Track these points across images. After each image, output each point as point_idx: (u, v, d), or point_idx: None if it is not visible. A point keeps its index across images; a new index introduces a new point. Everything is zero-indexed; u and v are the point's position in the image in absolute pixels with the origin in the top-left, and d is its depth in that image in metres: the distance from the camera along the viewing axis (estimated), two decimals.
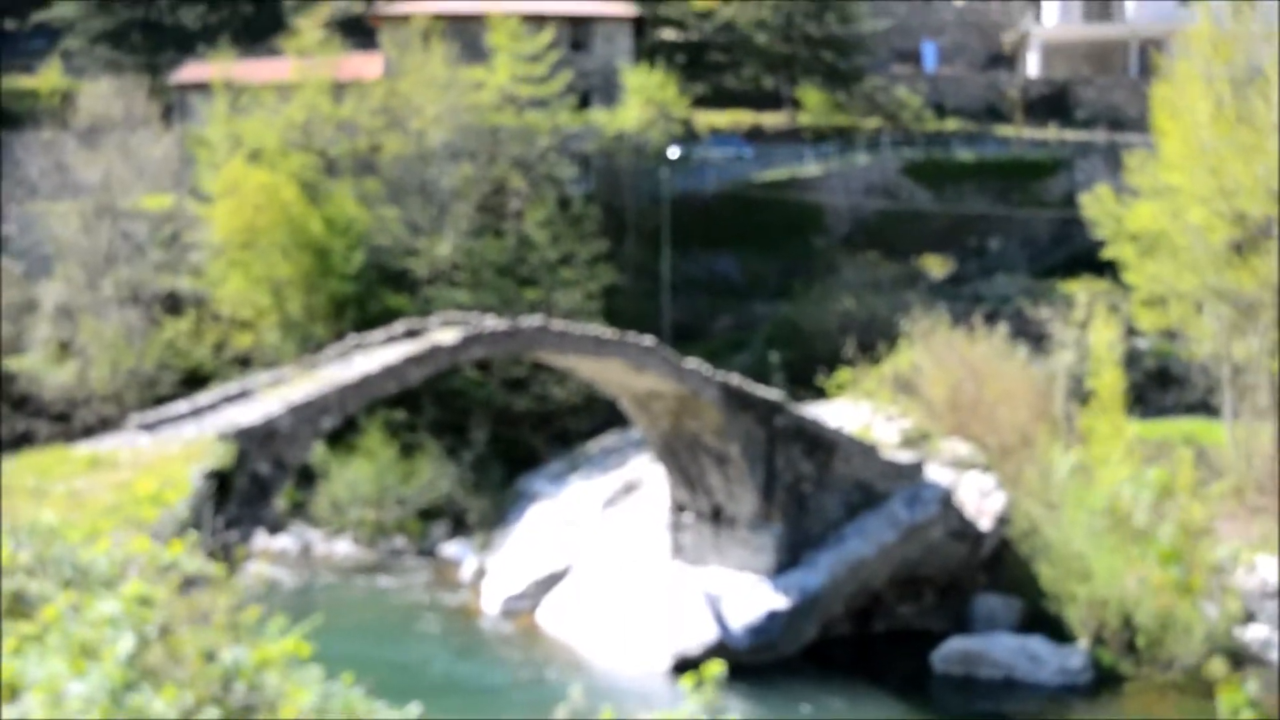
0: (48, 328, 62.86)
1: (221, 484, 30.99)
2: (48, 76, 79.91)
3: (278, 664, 7.14)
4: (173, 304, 63.78)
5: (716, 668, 8.39)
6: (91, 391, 60.22)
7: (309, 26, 70.22)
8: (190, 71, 75.69)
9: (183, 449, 31.15)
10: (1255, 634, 39.86)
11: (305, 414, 34.39)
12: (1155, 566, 39.20)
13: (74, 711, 5.99)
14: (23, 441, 51.45)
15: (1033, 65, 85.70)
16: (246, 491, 32.53)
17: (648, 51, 78.25)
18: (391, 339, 40.18)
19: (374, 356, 37.90)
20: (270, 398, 35.53)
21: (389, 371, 36.48)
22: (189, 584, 9.10)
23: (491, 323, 40.12)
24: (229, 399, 36.44)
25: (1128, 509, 41.18)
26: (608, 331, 42.07)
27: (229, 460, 31.54)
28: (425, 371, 38.41)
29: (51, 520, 8.85)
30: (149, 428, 33.99)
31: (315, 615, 10.45)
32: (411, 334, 40.33)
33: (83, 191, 65.00)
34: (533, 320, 40.99)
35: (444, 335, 38.95)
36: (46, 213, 65.57)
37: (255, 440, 32.81)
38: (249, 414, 33.91)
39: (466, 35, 71.54)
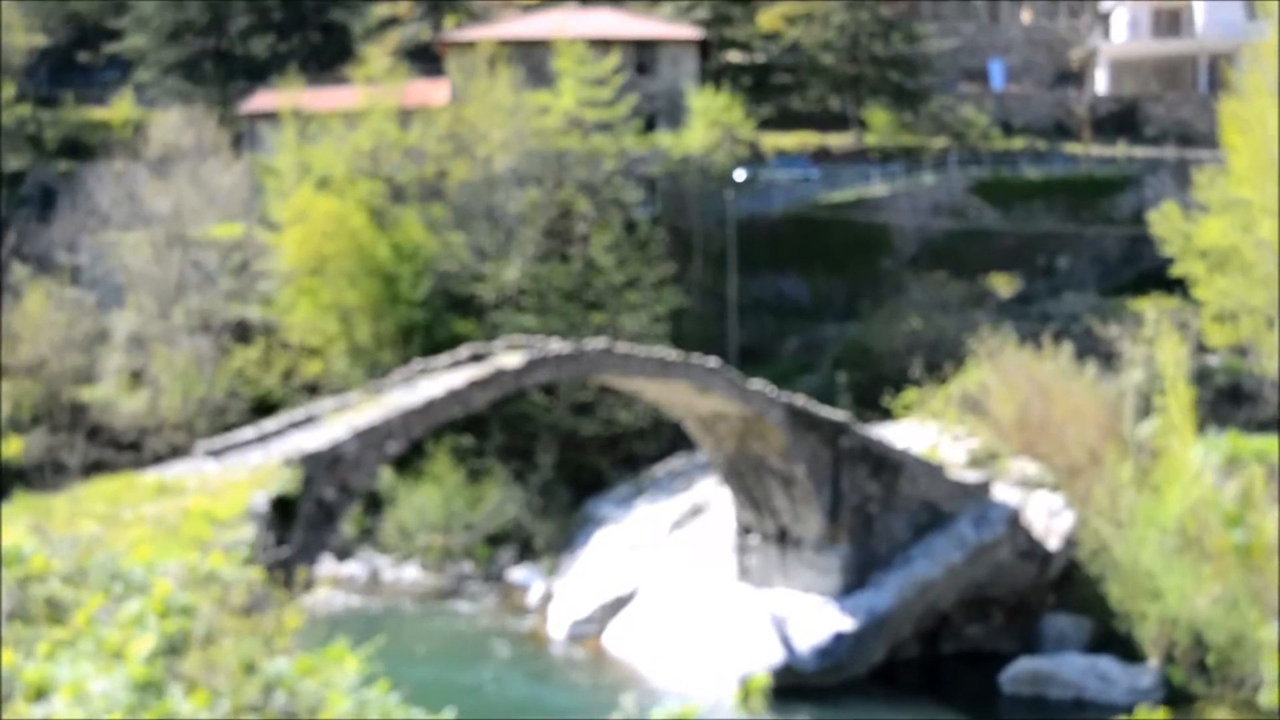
0: (120, 357, 63.44)
1: (287, 509, 31.19)
2: (120, 108, 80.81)
3: (317, 673, 7.21)
4: (242, 332, 64.28)
5: (762, 681, 8.37)
6: (162, 420, 60.73)
7: (376, 54, 70.85)
8: (259, 101, 76.30)
9: (248, 475, 31.38)
10: None
11: (370, 439, 34.57)
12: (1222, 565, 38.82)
13: (98, 711, 6.05)
14: (95, 470, 51.89)
15: (1101, 82, 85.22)
16: (312, 516, 32.70)
17: (713, 74, 78.27)
18: (456, 363, 40.33)
19: (439, 381, 38.05)
20: (336, 423, 35.71)
21: (453, 396, 36.62)
22: (248, 606, 9.17)
23: (556, 346, 40.20)
24: (295, 425, 36.66)
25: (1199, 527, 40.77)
26: (672, 353, 42.08)
27: (294, 486, 31.73)
28: (490, 395, 38.52)
29: (92, 531, 8.96)
30: (216, 454, 34.24)
31: (377, 636, 10.51)
32: (476, 358, 40.46)
33: (154, 221, 65.65)
34: (597, 343, 41.06)
35: (508, 359, 39.06)
36: (118, 243, 66.20)
37: (321, 465, 33.00)
38: (315, 440, 34.11)
39: (532, 60, 71.77)
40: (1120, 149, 76.47)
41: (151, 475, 31.90)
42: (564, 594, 49.62)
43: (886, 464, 43.67)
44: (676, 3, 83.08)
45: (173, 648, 7.01)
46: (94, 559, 8.36)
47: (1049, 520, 44.70)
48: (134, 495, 28.43)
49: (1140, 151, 76.39)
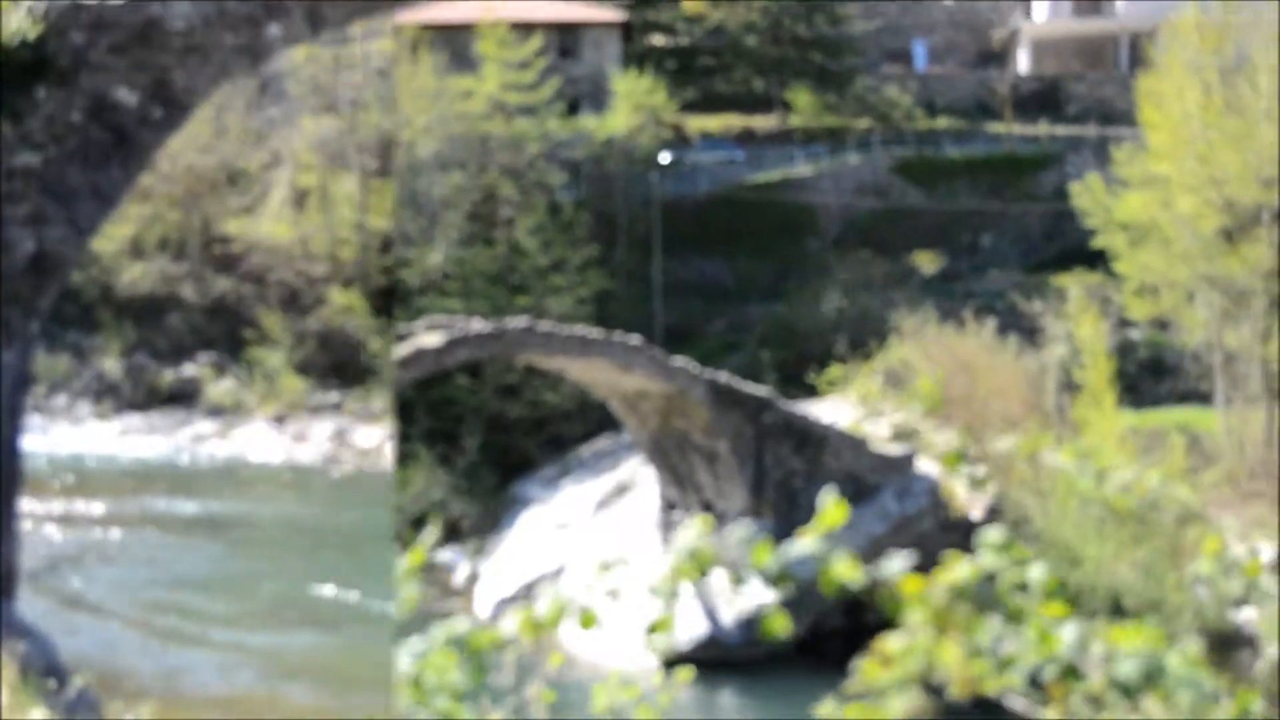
0: None
1: None
2: None
3: None
4: None
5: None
6: None
7: None
8: None
9: None
10: (1249, 616, 39.70)
11: None
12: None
13: None
14: None
15: (1023, 62, 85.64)
16: None
17: (637, 57, 78.08)
18: None
19: None
20: None
21: None
22: None
23: (477, 325, 40.10)
24: None
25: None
26: (594, 332, 42.07)
27: None
28: (410, 375, 38.47)
29: None
30: None
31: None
32: (398, 339, 40.31)
33: None
34: (518, 322, 41.00)
35: (429, 338, 38.94)
36: None
37: None
38: None
39: (455, 44, 71.37)
40: (1042, 128, 76.90)
41: None
42: (490, 575, 49.56)
43: (810, 439, 43.82)
44: None
45: None
46: None
47: (971, 492, 44.95)
48: None
49: (1062, 130, 76.85)
